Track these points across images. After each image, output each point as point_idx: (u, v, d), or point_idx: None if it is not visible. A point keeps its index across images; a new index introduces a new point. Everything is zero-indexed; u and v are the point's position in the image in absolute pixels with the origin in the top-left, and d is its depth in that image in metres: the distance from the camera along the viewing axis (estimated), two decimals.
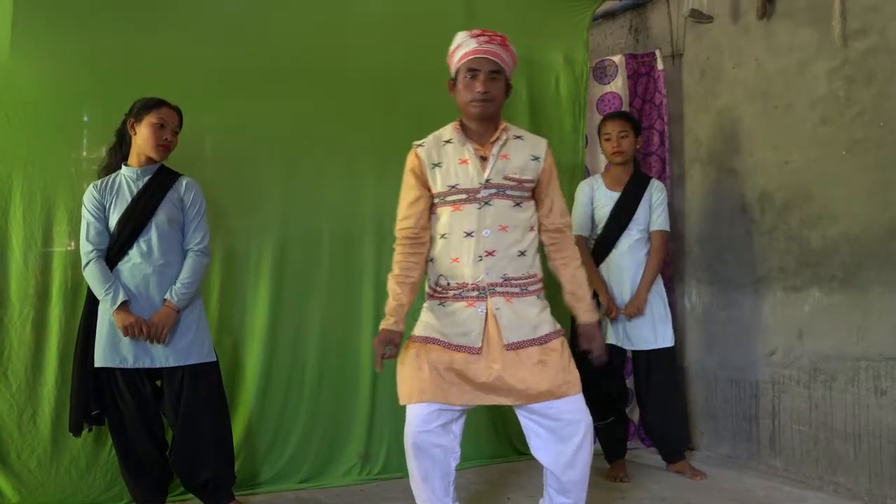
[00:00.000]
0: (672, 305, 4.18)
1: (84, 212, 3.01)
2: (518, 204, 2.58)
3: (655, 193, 3.76)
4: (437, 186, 2.59)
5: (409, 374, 2.54)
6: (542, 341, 2.56)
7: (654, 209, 3.72)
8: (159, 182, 3.05)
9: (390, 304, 2.60)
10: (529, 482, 3.59)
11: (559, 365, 2.55)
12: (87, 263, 2.96)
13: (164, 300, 2.98)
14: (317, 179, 3.72)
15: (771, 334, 3.80)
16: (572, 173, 4.20)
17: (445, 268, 2.59)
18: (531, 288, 2.60)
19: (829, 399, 3.51)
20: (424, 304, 2.67)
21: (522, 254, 2.58)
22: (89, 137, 3.35)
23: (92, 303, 3.02)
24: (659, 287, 3.76)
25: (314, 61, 3.64)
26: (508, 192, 2.56)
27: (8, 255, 3.18)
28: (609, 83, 4.39)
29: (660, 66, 4.32)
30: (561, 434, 2.54)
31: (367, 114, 3.58)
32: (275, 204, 3.64)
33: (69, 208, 3.23)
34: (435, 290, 2.63)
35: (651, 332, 3.69)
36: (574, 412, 2.53)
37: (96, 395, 2.99)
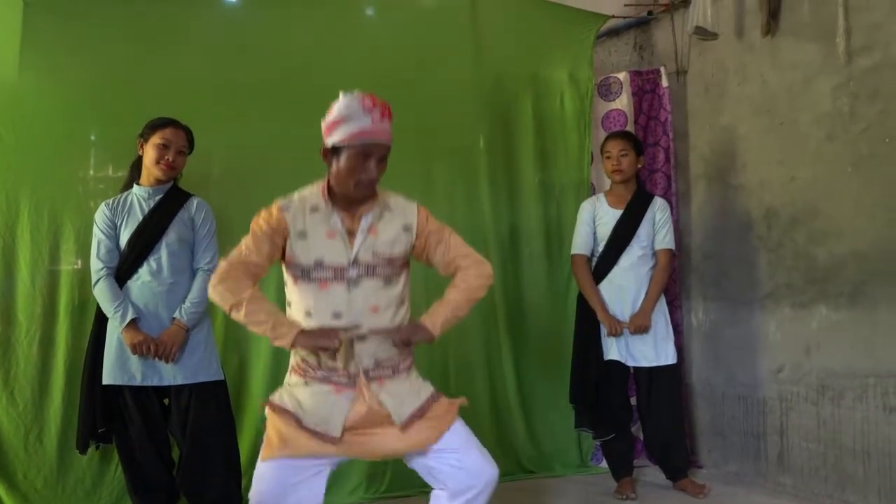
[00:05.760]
0: (678, 322, 4.17)
1: (95, 229, 3.03)
2: (388, 282, 2.35)
3: (659, 212, 3.74)
4: (301, 259, 2.31)
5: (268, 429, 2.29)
6: (426, 406, 2.34)
7: (658, 228, 3.71)
8: (170, 201, 3.07)
9: (275, 318, 2.26)
10: (537, 501, 3.58)
11: (444, 415, 2.35)
12: (97, 281, 2.97)
13: (174, 319, 2.99)
14: None
15: (778, 351, 3.79)
16: (577, 191, 4.22)
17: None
18: (402, 366, 2.38)
19: (838, 416, 3.49)
20: (288, 379, 2.38)
21: None
22: (96, 156, 3.38)
23: (100, 320, 3.02)
24: (662, 305, 3.74)
25: (321, 80, 3.63)
26: (378, 271, 2.32)
27: (15, 273, 3.20)
28: (614, 100, 4.40)
29: (664, 82, 4.33)
30: (456, 481, 2.30)
31: None
32: None
33: (76, 227, 3.25)
34: (300, 367, 2.34)
35: (653, 349, 3.66)
36: (478, 466, 2.30)
37: (104, 413, 2.99)
